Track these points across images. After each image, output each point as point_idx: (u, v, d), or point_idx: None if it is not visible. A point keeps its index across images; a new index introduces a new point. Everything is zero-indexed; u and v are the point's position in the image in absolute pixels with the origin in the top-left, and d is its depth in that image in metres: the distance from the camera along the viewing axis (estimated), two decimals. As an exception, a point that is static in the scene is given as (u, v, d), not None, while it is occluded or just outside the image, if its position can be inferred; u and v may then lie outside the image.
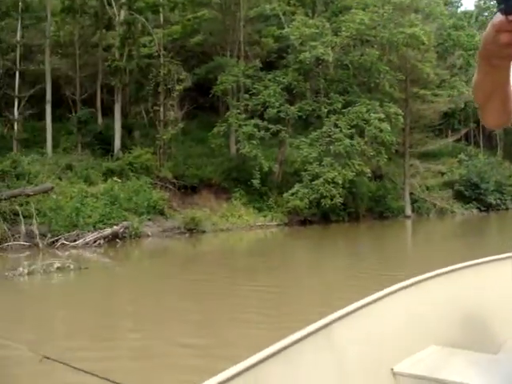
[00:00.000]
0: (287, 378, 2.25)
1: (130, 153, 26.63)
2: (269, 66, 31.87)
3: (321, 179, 27.18)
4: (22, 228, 19.28)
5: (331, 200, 27.12)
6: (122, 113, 28.21)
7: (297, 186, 27.62)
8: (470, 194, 37.62)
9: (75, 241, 19.73)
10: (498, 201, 39.05)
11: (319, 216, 28.65)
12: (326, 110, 29.13)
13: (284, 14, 32.54)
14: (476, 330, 3.39)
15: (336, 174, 27.24)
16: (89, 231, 20.38)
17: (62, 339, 8.05)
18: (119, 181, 24.20)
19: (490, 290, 3.60)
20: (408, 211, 33.97)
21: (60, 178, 23.54)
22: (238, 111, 28.93)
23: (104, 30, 30.48)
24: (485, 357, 2.93)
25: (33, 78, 29.18)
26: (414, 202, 35.18)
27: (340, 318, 2.61)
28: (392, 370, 2.73)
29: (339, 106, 29.20)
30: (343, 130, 28.17)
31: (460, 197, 37.85)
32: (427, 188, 37.52)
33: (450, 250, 18.16)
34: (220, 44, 32.88)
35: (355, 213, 30.73)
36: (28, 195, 20.14)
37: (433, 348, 2.98)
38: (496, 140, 48.35)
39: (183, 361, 6.72)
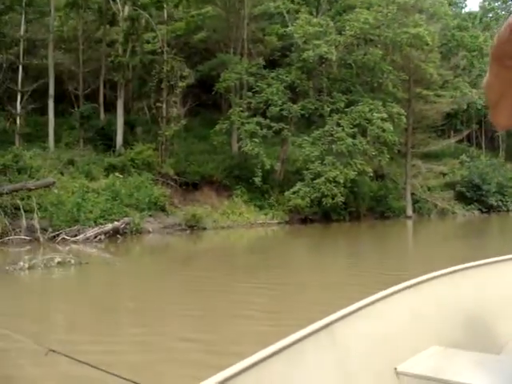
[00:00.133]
0: (289, 377, 2.24)
1: (131, 149, 26.66)
2: (272, 64, 31.86)
3: (322, 178, 27.19)
4: (23, 222, 19.30)
5: (332, 199, 27.13)
6: (124, 109, 28.22)
7: (298, 185, 27.63)
8: (471, 195, 37.62)
9: (76, 236, 19.76)
10: (500, 202, 39.04)
11: (320, 215, 28.66)
12: (328, 109, 29.12)
13: (288, 12, 32.50)
14: (479, 330, 3.39)
15: (338, 173, 27.25)
16: (90, 226, 20.41)
17: (63, 333, 8.06)
18: (121, 176, 24.23)
19: (492, 291, 3.60)
20: (409, 211, 33.98)
21: (62, 173, 23.57)
22: (241, 109, 28.94)
23: (108, 26, 30.49)
24: (488, 357, 2.93)
25: (36, 73, 29.19)
26: (415, 202, 35.19)
27: (343, 317, 2.61)
28: (395, 369, 2.73)
29: (342, 105, 29.19)
30: (345, 129, 28.16)
31: (461, 198, 37.85)
32: (429, 188, 37.53)
33: (452, 250, 18.15)
34: (223, 41, 32.88)
35: (356, 212, 30.74)
36: (29, 189, 20.16)
37: (436, 348, 2.98)
38: (498, 141, 48.33)
39: (185, 356, 6.73)
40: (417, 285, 3.16)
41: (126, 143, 27.32)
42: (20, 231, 19.18)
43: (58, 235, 19.64)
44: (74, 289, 12.02)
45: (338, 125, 28.50)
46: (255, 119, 28.25)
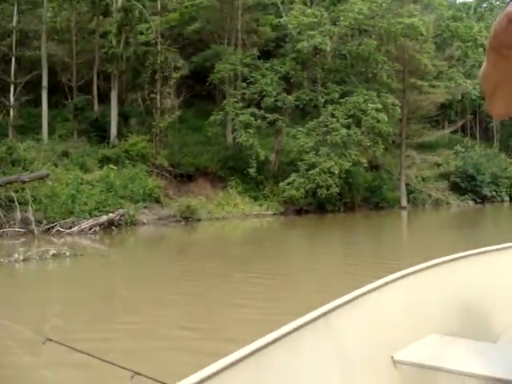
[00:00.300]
0: (288, 365, 2.25)
1: (126, 140, 26.60)
2: (266, 54, 31.76)
3: (317, 169, 27.20)
4: (18, 215, 19.22)
5: (327, 190, 27.17)
6: (118, 100, 28.12)
7: (293, 176, 27.65)
8: (465, 185, 37.74)
9: (71, 228, 19.72)
10: (494, 193, 39.20)
11: (315, 206, 28.69)
12: (323, 100, 29.10)
13: (282, 2, 32.41)
14: (476, 318, 3.40)
15: (332, 163, 27.26)
16: (84, 218, 20.37)
17: (60, 322, 8.08)
18: (115, 168, 24.16)
19: (489, 279, 3.62)
20: (404, 202, 34.06)
21: (56, 165, 23.48)
22: (235, 100, 28.88)
23: (101, 17, 30.33)
24: (484, 345, 2.94)
25: (29, 64, 29.01)
26: (409, 192, 35.27)
27: (340, 306, 2.61)
28: (392, 358, 2.74)
29: (336, 95, 29.16)
30: (340, 120, 28.16)
31: (456, 188, 37.97)
32: (423, 179, 37.62)
33: (446, 240, 18.23)
34: (217, 32, 32.74)
35: (351, 203, 30.80)
36: (23, 182, 20.07)
37: (433, 336, 2.99)
38: (492, 132, 48.43)
39: (181, 343, 6.78)
40: (413, 274, 3.16)
41: (120, 135, 27.24)
42: (14, 224, 19.12)
43: (52, 227, 19.58)
44: (69, 280, 12.01)
45: (333, 115, 28.49)
46: (249, 110, 28.20)
